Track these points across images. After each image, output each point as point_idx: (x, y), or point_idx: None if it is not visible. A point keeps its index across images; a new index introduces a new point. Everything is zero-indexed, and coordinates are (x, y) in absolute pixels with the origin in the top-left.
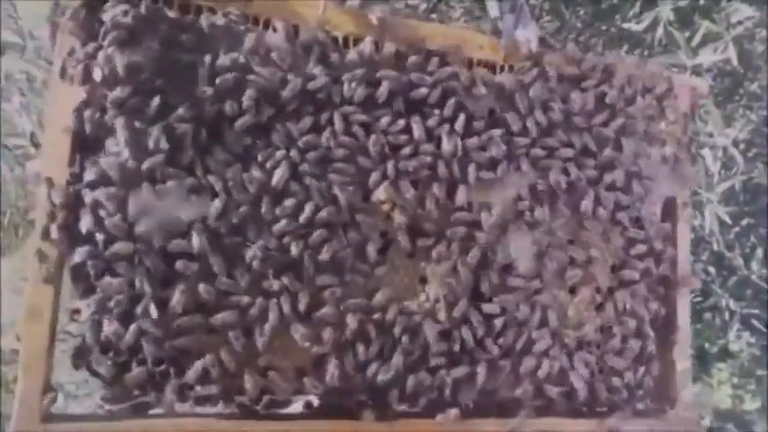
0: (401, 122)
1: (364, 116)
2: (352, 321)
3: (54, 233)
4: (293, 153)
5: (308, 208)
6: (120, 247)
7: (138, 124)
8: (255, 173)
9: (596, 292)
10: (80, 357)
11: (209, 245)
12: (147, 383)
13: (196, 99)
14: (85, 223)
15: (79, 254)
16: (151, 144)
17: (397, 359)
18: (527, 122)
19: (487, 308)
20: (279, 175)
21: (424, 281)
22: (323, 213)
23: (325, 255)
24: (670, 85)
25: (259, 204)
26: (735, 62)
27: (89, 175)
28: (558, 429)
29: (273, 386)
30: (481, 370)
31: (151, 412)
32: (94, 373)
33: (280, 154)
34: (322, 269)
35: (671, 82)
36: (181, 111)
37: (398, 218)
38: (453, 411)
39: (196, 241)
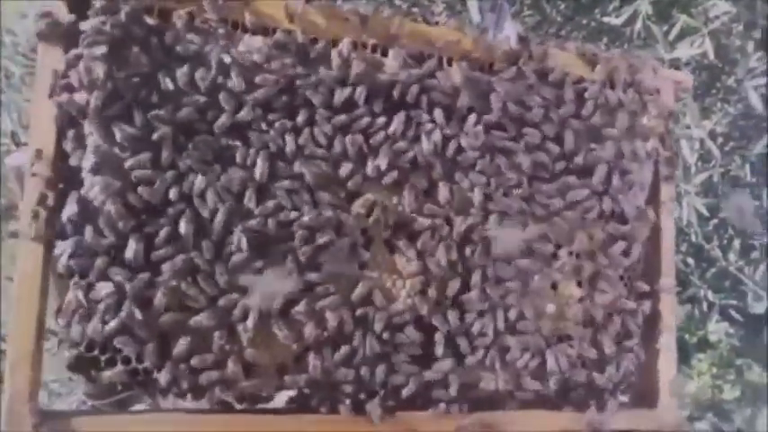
0: (380, 121)
1: (343, 117)
2: (332, 318)
3: (39, 228)
4: (273, 150)
5: (290, 212)
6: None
7: (118, 130)
8: (236, 172)
9: (578, 285)
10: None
11: (193, 234)
12: (131, 379)
13: (176, 103)
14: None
15: (61, 247)
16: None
17: (376, 353)
18: (503, 120)
19: (468, 301)
20: (260, 169)
21: (404, 276)
22: (304, 218)
23: (305, 254)
24: (653, 79)
25: (241, 202)
26: (712, 56)
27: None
28: (537, 425)
29: (257, 381)
30: (462, 364)
31: (137, 408)
32: (80, 371)
33: (259, 152)
34: (305, 268)
35: (654, 75)
36: (161, 113)
37: (379, 215)
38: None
39: (183, 227)
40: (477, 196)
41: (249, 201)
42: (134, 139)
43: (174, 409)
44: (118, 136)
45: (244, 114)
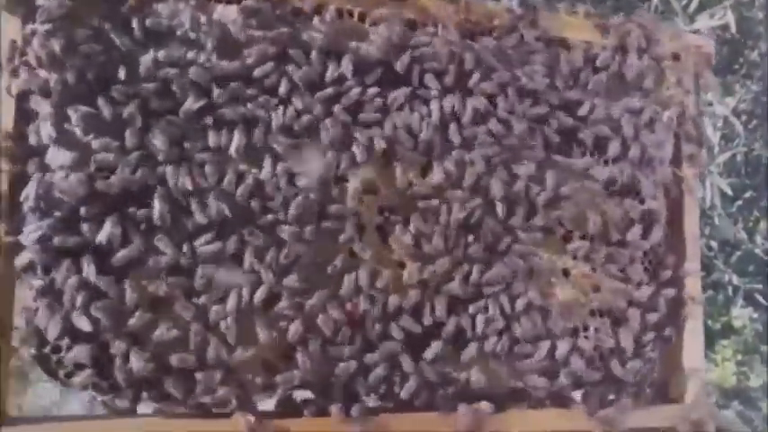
0: (371, 93)
1: (330, 90)
2: (326, 313)
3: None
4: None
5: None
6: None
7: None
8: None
9: (592, 271)
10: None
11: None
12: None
13: (144, 79)
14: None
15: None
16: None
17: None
18: (505, 89)
19: (469, 290)
20: (236, 143)
21: (401, 265)
22: (292, 209)
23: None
24: (671, 45)
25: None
26: (733, 29)
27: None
28: (547, 425)
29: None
30: (468, 356)
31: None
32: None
33: (235, 127)
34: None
35: (672, 40)
36: (126, 89)
37: (371, 200)
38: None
39: (158, 206)
40: (477, 172)
41: (230, 184)
42: (96, 119)
43: (145, 414)
44: (76, 117)
45: (218, 92)
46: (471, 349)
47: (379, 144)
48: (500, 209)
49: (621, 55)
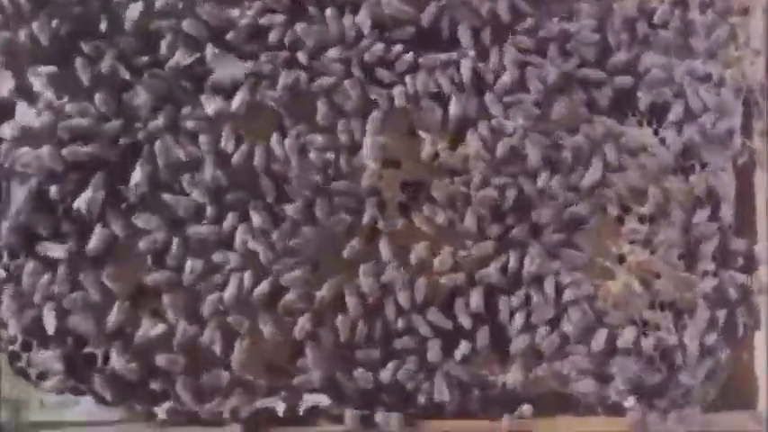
0: (396, 51)
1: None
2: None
3: None
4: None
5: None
6: None
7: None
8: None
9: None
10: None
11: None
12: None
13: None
14: None
15: None
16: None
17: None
18: (549, 44)
19: (507, 280)
20: (239, 99)
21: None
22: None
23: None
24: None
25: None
26: None
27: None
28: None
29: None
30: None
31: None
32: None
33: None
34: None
35: None
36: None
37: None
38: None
39: (137, 174)
40: (514, 143)
41: (227, 141)
42: (64, 79)
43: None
44: (41, 83)
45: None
46: (516, 344)
47: (401, 100)
48: (541, 182)
49: (682, 10)
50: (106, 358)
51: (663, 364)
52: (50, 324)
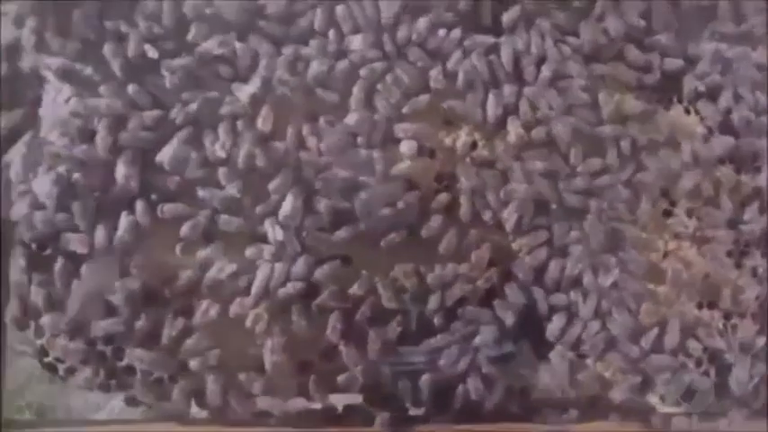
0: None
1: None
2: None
3: None
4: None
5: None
6: None
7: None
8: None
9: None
10: None
11: None
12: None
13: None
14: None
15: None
16: None
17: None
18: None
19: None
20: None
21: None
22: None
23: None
24: None
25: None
26: None
27: None
28: None
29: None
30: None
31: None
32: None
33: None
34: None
35: None
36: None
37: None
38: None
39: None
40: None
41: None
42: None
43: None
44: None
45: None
46: (558, 345)
47: (438, 82)
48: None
49: None
50: (133, 356)
51: (710, 366)
52: (77, 317)
